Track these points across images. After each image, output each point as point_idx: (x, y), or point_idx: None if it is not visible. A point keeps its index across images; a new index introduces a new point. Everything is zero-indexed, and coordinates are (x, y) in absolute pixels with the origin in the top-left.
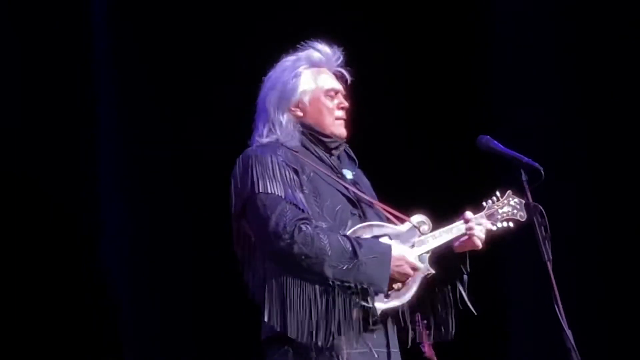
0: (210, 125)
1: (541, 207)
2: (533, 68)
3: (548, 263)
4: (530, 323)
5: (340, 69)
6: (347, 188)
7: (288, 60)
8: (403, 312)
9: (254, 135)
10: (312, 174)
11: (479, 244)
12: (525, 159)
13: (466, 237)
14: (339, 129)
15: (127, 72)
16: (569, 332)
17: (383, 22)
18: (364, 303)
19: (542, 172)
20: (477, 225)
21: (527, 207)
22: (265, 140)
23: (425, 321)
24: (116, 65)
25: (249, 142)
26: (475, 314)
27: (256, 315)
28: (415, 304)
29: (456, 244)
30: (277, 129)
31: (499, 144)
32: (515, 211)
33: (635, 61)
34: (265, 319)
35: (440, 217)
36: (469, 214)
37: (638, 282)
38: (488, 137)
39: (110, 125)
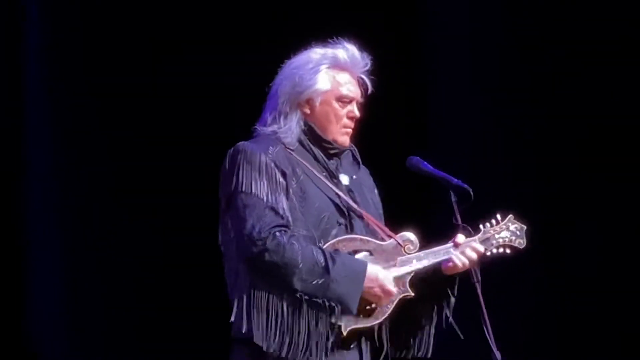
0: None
1: (470, 229)
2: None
3: (477, 284)
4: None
5: (363, 76)
6: (338, 195)
7: (314, 52)
8: (380, 331)
9: (259, 121)
10: (302, 176)
11: (462, 269)
12: (455, 180)
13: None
14: (342, 138)
15: (58, 16)
16: (497, 354)
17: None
18: (331, 321)
19: (472, 193)
20: (467, 250)
21: (458, 228)
22: (266, 130)
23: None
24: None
25: (253, 128)
26: (462, 337)
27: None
28: (394, 323)
29: (446, 265)
30: (281, 120)
31: (429, 165)
32: (513, 237)
33: (567, 72)
34: (232, 319)
35: (434, 234)
36: (460, 237)
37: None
38: (418, 157)
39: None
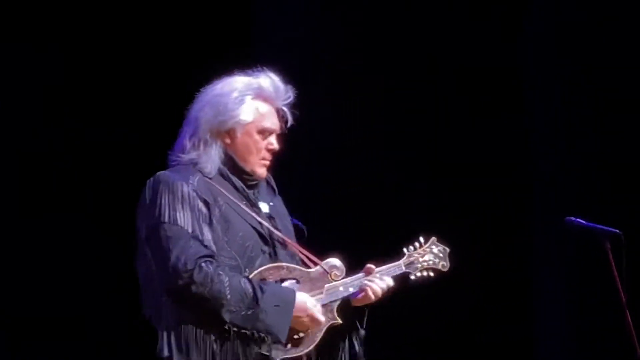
0: None
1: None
2: None
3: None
4: None
5: (284, 108)
6: (260, 223)
7: (239, 81)
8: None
9: (176, 146)
10: (224, 205)
11: (373, 299)
12: (609, 229)
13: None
14: (260, 170)
15: None
16: None
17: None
18: (261, 352)
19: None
20: (378, 280)
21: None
22: (184, 158)
23: None
24: None
25: (169, 152)
26: None
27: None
28: (321, 352)
29: (355, 296)
30: (202, 147)
31: (583, 221)
32: (437, 260)
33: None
34: (160, 353)
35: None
36: (370, 267)
37: None
38: (572, 217)
39: None
